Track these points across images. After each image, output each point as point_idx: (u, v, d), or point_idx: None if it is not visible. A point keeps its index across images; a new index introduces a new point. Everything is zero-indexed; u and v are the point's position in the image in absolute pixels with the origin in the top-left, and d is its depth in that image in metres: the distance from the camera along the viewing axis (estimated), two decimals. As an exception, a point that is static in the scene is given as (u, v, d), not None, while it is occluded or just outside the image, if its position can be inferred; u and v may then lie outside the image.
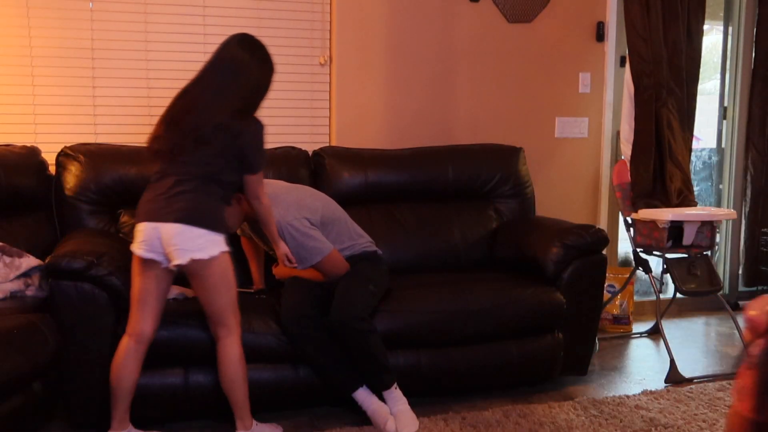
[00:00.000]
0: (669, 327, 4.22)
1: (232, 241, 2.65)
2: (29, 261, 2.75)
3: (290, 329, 2.71)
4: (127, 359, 2.50)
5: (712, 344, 3.97)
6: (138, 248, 2.43)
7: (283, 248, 2.76)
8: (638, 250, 3.86)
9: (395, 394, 2.75)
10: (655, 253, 3.78)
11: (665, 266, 3.66)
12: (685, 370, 3.45)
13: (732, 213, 3.79)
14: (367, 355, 2.71)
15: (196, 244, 2.37)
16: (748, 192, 4.63)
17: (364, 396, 2.75)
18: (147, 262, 2.45)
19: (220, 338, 2.53)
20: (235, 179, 2.53)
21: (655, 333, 4.09)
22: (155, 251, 2.41)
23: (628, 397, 3.10)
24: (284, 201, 2.82)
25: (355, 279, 2.86)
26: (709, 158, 4.82)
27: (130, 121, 3.53)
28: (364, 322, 2.71)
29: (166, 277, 2.50)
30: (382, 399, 2.77)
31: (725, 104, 4.70)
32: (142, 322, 2.50)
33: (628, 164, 3.95)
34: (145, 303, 2.49)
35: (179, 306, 2.77)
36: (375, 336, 2.73)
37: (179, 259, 2.37)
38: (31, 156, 3.16)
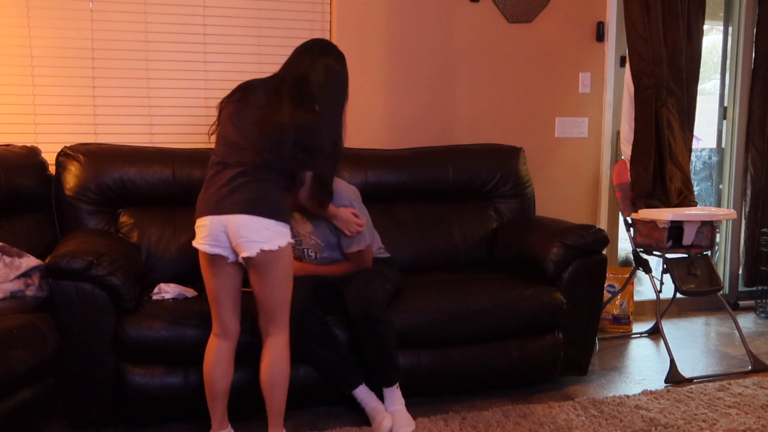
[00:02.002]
0: (669, 327, 4.23)
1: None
2: (29, 261, 2.74)
3: (294, 323, 2.71)
4: (218, 360, 2.47)
5: (712, 344, 3.97)
6: (202, 244, 2.36)
7: (345, 211, 2.83)
8: (638, 250, 3.86)
9: (395, 393, 2.76)
10: (655, 253, 3.78)
11: (665, 266, 3.66)
12: (685, 370, 3.45)
13: (732, 213, 3.78)
14: (380, 348, 2.72)
15: (263, 236, 2.30)
16: (748, 192, 4.63)
17: (363, 393, 2.76)
18: (214, 260, 2.38)
19: (270, 335, 2.45)
20: (290, 168, 2.46)
21: (655, 333, 4.09)
22: (221, 245, 2.35)
23: (628, 397, 3.10)
24: (349, 188, 2.99)
25: (372, 273, 2.93)
26: (709, 158, 4.83)
27: (130, 121, 3.53)
28: (384, 312, 2.75)
29: (236, 272, 2.44)
30: (380, 397, 2.77)
31: (725, 104, 4.70)
32: (225, 319, 2.47)
33: (628, 164, 3.95)
34: (222, 301, 2.44)
35: (179, 306, 2.77)
36: (392, 329, 2.76)
37: (248, 252, 2.30)
38: (31, 156, 3.16)
